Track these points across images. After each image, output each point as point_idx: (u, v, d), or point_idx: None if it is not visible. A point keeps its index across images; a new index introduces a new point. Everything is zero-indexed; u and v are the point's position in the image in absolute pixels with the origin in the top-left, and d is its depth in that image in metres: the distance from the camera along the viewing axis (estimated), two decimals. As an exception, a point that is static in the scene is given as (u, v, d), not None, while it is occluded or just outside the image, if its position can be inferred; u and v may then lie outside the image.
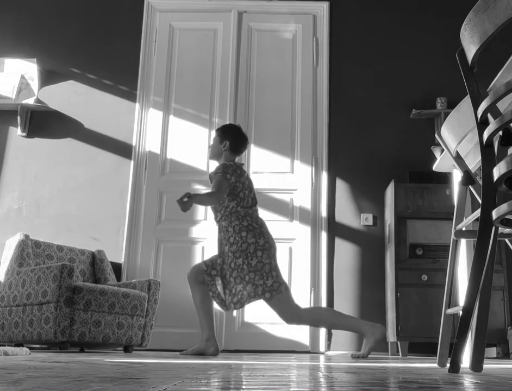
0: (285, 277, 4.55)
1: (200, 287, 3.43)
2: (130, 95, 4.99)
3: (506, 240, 2.29)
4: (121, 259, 4.65)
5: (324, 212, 4.73)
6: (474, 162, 2.32)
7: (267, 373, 1.52)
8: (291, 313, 3.25)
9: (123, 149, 4.88)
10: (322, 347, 4.50)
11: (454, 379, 1.44)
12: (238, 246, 3.29)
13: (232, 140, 3.55)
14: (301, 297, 4.56)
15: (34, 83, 4.96)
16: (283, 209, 4.75)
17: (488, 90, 1.90)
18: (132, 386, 1.09)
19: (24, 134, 4.90)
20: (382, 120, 4.92)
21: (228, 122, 4.91)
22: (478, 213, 1.76)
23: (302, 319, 3.28)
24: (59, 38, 5.12)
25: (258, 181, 4.69)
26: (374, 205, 4.74)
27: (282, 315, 3.27)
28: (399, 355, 4.21)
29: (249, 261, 3.27)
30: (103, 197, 4.79)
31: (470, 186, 2.19)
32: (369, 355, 3.27)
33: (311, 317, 3.32)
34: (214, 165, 4.85)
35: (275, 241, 3.43)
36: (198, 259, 4.64)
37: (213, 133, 4.89)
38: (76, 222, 4.74)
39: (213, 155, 3.60)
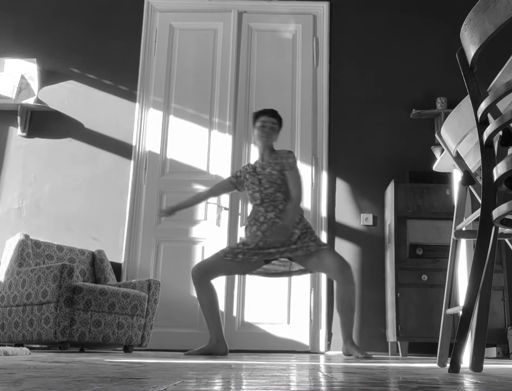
0: (285, 277, 4.56)
1: (207, 288, 3.41)
2: (130, 95, 4.99)
3: (506, 240, 2.29)
4: (121, 259, 4.65)
5: (324, 212, 4.73)
6: (474, 162, 2.32)
7: (267, 373, 1.52)
8: None
9: (123, 149, 4.88)
10: (322, 347, 4.50)
11: (454, 379, 1.44)
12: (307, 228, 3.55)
13: (281, 126, 3.71)
14: (301, 297, 4.56)
15: (34, 83, 4.96)
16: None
17: (488, 90, 1.89)
18: (132, 386, 1.09)
19: (24, 134, 4.90)
20: (382, 120, 4.92)
21: (227, 122, 4.92)
22: (478, 213, 1.76)
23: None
24: (59, 38, 5.12)
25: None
26: (374, 205, 4.74)
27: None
28: (399, 355, 4.21)
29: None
30: (103, 197, 4.79)
31: (470, 186, 2.19)
32: (367, 355, 3.24)
33: None
34: (214, 165, 4.87)
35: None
36: (198, 259, 4.64)
37: (215, 133, 4.93)
38: (76, 222, 4.74)
39: (273, 140, 3.64)
